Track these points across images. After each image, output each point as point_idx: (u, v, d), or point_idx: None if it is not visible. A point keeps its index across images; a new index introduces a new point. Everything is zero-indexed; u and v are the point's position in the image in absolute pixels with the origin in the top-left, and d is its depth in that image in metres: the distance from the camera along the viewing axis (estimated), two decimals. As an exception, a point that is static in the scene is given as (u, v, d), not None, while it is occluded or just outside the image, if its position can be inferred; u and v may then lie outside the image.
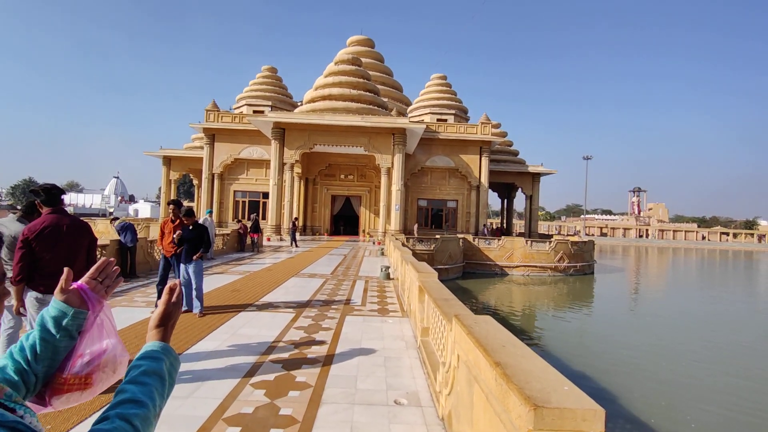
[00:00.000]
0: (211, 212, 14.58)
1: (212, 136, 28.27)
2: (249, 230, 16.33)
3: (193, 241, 6.02)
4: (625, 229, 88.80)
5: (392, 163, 23.96)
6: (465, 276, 22.99)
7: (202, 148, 30.46)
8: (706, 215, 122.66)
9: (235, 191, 29.31)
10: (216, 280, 9.15)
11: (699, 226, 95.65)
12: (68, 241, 3.26)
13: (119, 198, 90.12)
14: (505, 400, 1.78)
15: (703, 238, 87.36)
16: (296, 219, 22.35)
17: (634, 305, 20.02)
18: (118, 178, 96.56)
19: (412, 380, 3.90)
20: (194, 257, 6.01)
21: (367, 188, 29.63)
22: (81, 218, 3.54)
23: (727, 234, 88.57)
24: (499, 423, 1.86)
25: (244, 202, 29.39)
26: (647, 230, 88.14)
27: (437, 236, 21.80)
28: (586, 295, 21.25)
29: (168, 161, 34.31)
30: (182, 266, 6.04)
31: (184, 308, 6.07)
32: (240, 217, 26.89)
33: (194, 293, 5.97)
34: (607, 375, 8.85)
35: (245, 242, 16.67)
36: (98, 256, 4.44)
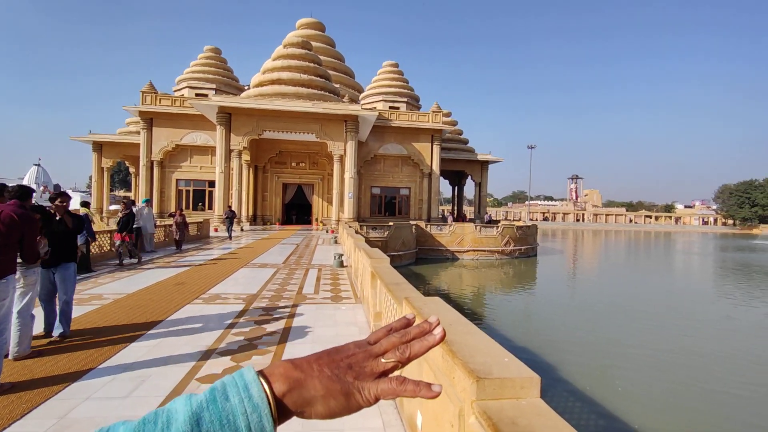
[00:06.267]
0: (148, 201, 13.54)
1: (150, 120, 26.22)
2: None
3: (63, 237, 4.61)
4: (564, 213, 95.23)
5: (345, 150, 23.71)
6: (418, 262, 23.54)
7: (138, 133, 28.20)
8: (633, 200, 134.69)
9: (177, 180, 27.52)
10: (158, 274, 8.62)
11: (627, 210, 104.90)
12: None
13: (42, 187, 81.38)
14: (452, 375, 1.85)
15: (631, 221, 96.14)
16: (230, 206, 21.02)
17: (571, 283, 21.65)
18: (39, 165, 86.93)
19: (365, 364, 3.94)
20: (66, 259, 4.62)
21: (320, 176, 29.16)
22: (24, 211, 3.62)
23: (651, 217, 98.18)
24: (446, 398, 1.93)
25: (188, 191, 27.74)
26: (583, 215, 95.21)
27: (390, 223, 22.03)
28: (530, 276, 22.63)
29: (99, 147, 31.45)
30: (42, 271, 4.39)
31: (40, 331, 4.44)
32: (184, 207, 25.45)
33: (59, 306, 4.49)
34: (548, 347, 9.55)
35: (184, 235, 13.97)
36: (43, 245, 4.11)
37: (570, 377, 7.79)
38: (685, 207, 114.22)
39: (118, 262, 9.85)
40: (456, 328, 2.26)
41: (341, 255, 10.75)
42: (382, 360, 0.51)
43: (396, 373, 0.52)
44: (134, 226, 11.29)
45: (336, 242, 16.49)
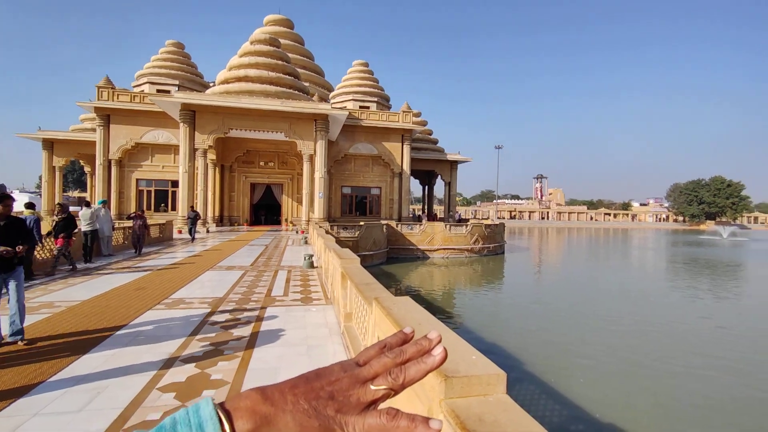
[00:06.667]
0: (105, 202, 12.83)
1: (107, 116, 24.85)
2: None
3: (8, 241, 4.37)
4: (530, 212, 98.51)
5: (314, 149, 23.43)
6: (389, 261, 23.62)
7: (94, 130, 26.66)
8: (593, 199, 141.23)
9: (137, 179, 26.24)
10: (116, 279, 8.18)
11: (588, 209, 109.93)
12: None
13: (-15, 188, 75.23)
14: (420, 375, 1.86)
15: (591, 218, 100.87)
16: (192, 206, 20.37)
17: (537, 280, 22.42)
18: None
19: (336, 366, 3.91)
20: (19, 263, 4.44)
21: (289, 176, 28.67)
22: None
23: (609, 214, 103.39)
24: (415, 397, 1.94)
25: (149, 191, 26.51)
26: (548, 213, 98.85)
27: (361, 223, 21.98)
28: (498, 273, 23.23)
29: (50, 145, 29.50)
30: None
31: None
32: (145, 208, 24.31)
33: (16, 309, 4.32)
34: (514, 342, 9.83)
35: (144, 237, 13.06)
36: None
37: (535, 371, 8.06)
38: (641, 205, 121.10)
39: (69, 267, 9.22)
40: (425, 328, 2.27)
41: (311, 256, 10.62)
42: (372, 387, 0.42)
43: (387, 402, 0.43)
44: (90, 229, 10.68)
45: (306, 243, 16.26)
